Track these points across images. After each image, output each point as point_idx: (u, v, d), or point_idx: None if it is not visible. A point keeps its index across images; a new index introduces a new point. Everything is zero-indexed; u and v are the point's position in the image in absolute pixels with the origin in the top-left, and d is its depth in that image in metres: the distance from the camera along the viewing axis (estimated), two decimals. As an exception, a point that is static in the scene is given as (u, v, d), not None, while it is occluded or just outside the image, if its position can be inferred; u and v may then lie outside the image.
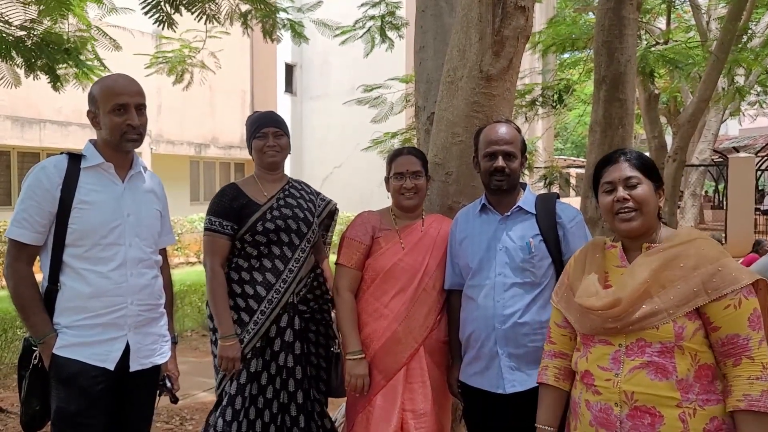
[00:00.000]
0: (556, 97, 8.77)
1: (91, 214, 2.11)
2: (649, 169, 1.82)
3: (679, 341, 1.66)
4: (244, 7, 5.47)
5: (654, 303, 1.68)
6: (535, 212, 2.32)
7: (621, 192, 1.78)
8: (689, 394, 1.65)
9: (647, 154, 13.07)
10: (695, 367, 1.67)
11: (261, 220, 2.58)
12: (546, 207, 2.33)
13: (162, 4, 4.26)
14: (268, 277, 2.57)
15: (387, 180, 2.60)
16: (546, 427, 1.93)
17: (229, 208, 2.58)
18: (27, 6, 4.22)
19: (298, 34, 6.07)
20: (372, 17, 6.48)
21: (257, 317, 2.55)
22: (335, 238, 2.93)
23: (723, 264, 1.68)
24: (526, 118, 9.09)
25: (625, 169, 1.80)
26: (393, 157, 2.59)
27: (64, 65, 4.56)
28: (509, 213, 2.33)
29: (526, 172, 9.17)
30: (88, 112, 2.20)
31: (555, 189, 9.95)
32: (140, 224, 2.22)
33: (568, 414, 1.93)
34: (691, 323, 1.67)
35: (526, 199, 2.36)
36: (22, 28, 4.33)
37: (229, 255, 2.61)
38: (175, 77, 6.20)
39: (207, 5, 4.41)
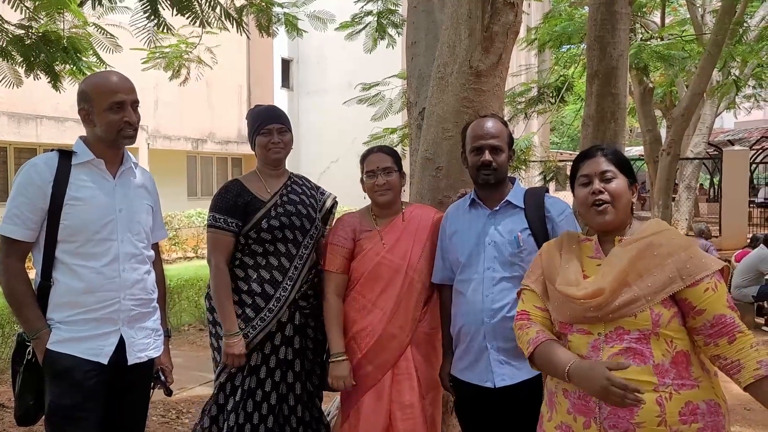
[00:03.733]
0: (553, 93, 8.77)
1: (83, 210, 2.12)
2: (623, 164, 1.89)
3: (656, 328, 1.72)
4: (239, 2, 5.47)
5: (632, 291, 1.73)
6: (524, 206, 2.33)
7: (596, 185, 1.85)
8: (665, 378, 1.70)
9: (642, 147, 13.11)
10: (672, 353, 1.72)
11: (266, 218, 2.59)
12: (535, 201, 2.34)
13: (160, 10, 4.25)
14: (275, 275, 2.59)
15: (362, 181, 2.63)
16: (572, 362, 1.74)
17: (234, 205, 2.59)
18: (24, 3, 4.22)
19: (293, 27, 6.07)
20: (369, 13, 6.48)
21: (265, 314, 2.57)
22: (328, 232, 2.95)
23: (693, 252, 1.76)
24: (526, 115, 9.09)
25: (601, 163, 1.87)
26: (363, 157, 2.63)
27: (66, 65, 4.56)
28: (498, 207, 2.35)
29: (523, 167, 9.18)
30: (80, 110, 2.21)
31: (553, 184, 9.97)
32: (132, 220, 2.24)
33: (542, 406, 1.95)
34: (667, 310, 1.72)
35: (515, 193, 2.37)
36: (20, 26, 4.33)
37: (234, 252, 2.62)
38: (172, 72, 6.20)
39: (199, 7, 4.39)
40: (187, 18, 4.39)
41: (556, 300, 1.87)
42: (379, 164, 2.56)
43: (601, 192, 1.83)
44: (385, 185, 2.54)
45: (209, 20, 4.59)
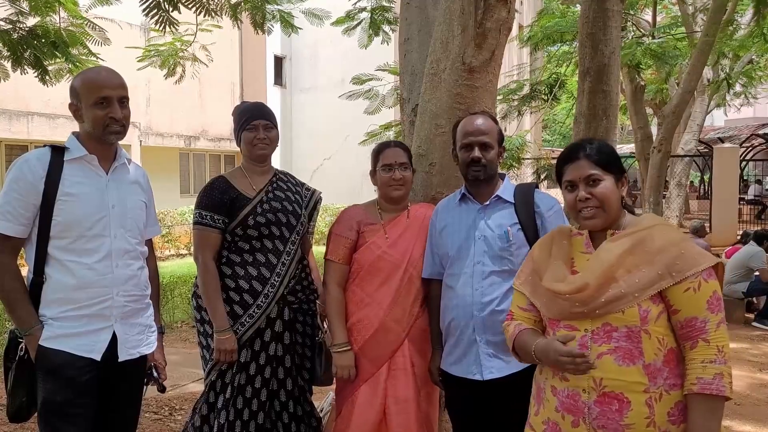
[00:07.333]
0: (545, 91, 8.80)
1: (76, 206, 2.12)
2: (609, 162, 1.81)
3: (645, 325, 1.67)
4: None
5: (619, 287, 1.69)
6: (513, 201, 2.35)
7: (582, 192, 1.78)
8: (657, 378, 1.66)
9: (633, 145, 13.16)
10: (664, 351, 1.68)
11: (252, 214, 2.59)
12: (524, 196, 2.36)
13: (162, 3, 4.23)
14: (262, 271, 2.60)
15: (373, 173, 2.63)
16: (535, 342, 1.79)
17: (220, 202, 2.59)
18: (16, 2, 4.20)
19: (288, 24, 6.07)
20: (363, 9, 6.48)
21: (253, 311, 2.58)
22: (324, 228, 2.96)
23: (685, 247, 1.70)
24: (519, 112, 9.13)
25: (584, 167, 1.79)
26: (380, 150, 2.63)
27: (57, 60, 4.53)
28: (488, 202, 2.37)
29: (516, 165, 9.22)
30: (70, 105, 2.21)
31: (546, 182, 10.02)
32: (125, 216, 2.23)
33: (531, 398, 1.94)
34: (656, 306, 1.68)
35: (505, 189, 2.39)
36: (7, 21, 4.31)
37: (220, 249, 2.62)
38: (167, 71, 6.17)
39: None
40: (195, 10, 4.36)
41: (544, 296, 1.84)
42: (397, 159, 2.56)
43: (588, 198, 1.77)
44: (401, 180, 2.56)
45: (217, 9, 4.55)
